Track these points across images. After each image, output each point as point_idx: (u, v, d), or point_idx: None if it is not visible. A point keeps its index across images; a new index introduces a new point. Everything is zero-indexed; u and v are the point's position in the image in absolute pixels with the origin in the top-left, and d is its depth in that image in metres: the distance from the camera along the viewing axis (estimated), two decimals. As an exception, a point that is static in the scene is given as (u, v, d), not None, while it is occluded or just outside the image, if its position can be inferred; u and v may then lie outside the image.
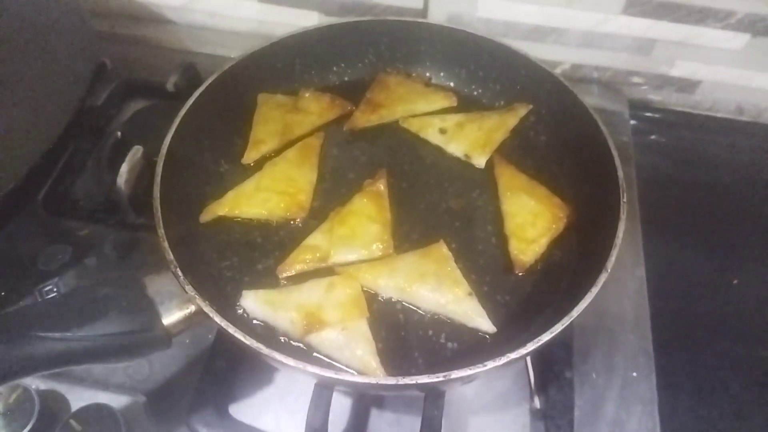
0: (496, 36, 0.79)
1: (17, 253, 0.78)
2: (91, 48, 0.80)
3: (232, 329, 0.52)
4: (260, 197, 0.69)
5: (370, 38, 0.81)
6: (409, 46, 0.81)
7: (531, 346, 0.52)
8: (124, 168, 0.78)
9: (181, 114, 0.68)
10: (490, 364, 0.51)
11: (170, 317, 0.54)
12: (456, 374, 0.50)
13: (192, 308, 0.54)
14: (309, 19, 0.99)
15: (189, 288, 0.54)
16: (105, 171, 0.85)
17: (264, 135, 0.74)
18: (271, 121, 0.75)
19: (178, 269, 0.55)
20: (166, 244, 0.57)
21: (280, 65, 0.79)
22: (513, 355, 0.51)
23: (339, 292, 0.61)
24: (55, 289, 0.75)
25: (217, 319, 0.53)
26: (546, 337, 0.52)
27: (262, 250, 0.67)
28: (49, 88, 0.76)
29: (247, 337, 0.52)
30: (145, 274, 0.56)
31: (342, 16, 0.97)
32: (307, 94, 0.78)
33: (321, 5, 0.97)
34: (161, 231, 0.58)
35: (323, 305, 0.60)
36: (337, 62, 0.82)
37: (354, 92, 0.80)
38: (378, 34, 0.81)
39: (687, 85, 0.96)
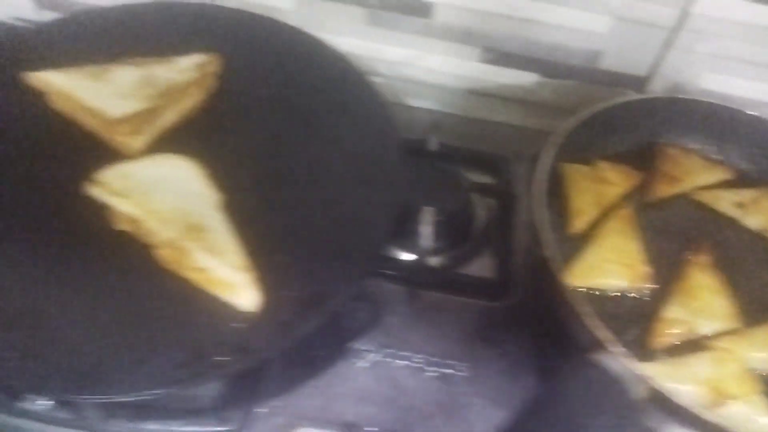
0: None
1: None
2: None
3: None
4: (607, 269, 0.71)
5: (646, 113, 0.86)
6: (683, 121, 0.87)
7: None
8: (426, 231, 0.79)
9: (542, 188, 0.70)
10: None
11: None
12: None
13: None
14: (527, 79, 1.03)
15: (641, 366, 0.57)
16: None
17: (583, 205, 0.77)
18: (585, 191, 0.78)
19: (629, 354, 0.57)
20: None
21: (576, 137, 0.82)
22: None
23: (730, 366, 0.64)
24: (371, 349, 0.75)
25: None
26: None
27: (620, 322, 0.70)
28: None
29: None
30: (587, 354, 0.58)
31: (563, 79, 1.01)
32: (602, 164, 0.82)
33: (542, 67, 1.00)
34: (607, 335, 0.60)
35: (721, 380, 0.63)
36: (616, 134, 0.86)
37: (633, 163, 0.85)
38: (652, 109, 0.86)
39: None
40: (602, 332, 0.59)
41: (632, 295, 0.72)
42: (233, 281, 0.62)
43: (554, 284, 0.64)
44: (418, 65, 1.03)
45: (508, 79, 1.03)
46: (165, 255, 0.64)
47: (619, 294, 0.72)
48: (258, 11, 0.95)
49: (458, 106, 1.05)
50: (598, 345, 0.58)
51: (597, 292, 0.71)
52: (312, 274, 0.65)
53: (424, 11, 0.95)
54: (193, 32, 0.87)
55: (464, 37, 0.98)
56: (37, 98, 0.76)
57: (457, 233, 0.87)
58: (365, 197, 0.72)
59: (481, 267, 0.86)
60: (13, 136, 0.73)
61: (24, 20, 1.03)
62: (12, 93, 0.75)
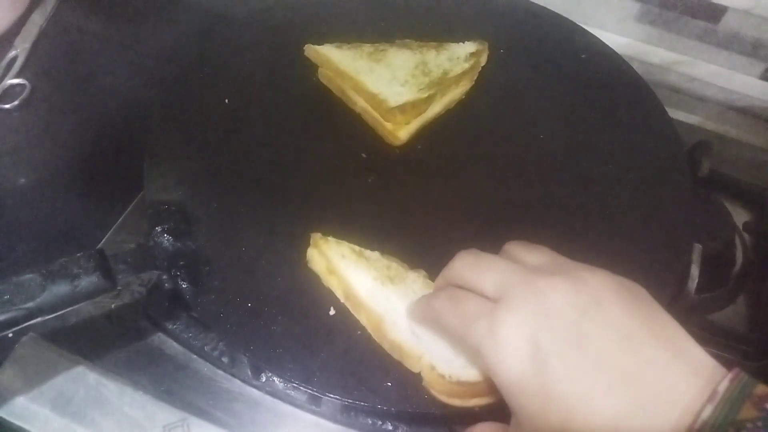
0: None
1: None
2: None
3: None
4: None
5: None
6: None
7: None
8: (695, 271, 0.71)
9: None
10: None
11: None
12: None
13: None
14: (811, 106, 0.89)
15: None
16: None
17: None
18: None
19: None
20: None
21: None
22: None
23: None
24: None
25: None
26: None
27: None
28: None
29: None
30: None
31: None
32: None
33: None
34: None
35: None
36: None
37: None
38: None
39: None
40: None
41: None
42: None
43: None
44: (684, 72, 0.93)
45: (787, 101, 0.90)
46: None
47: None
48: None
49: (722, 125, 0.94)
50: None
51: None
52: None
53: (713, 15, 0.84)
54: (462, 15, 0.83)
55: (751, 49, 0.86)
56: (309, 71, 0.75)
57: (712, 276, 0.78)
58: (658, 239, 0.65)
59: (735, 317, 0.77)
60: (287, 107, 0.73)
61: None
62: (289, 63, 0.75)
